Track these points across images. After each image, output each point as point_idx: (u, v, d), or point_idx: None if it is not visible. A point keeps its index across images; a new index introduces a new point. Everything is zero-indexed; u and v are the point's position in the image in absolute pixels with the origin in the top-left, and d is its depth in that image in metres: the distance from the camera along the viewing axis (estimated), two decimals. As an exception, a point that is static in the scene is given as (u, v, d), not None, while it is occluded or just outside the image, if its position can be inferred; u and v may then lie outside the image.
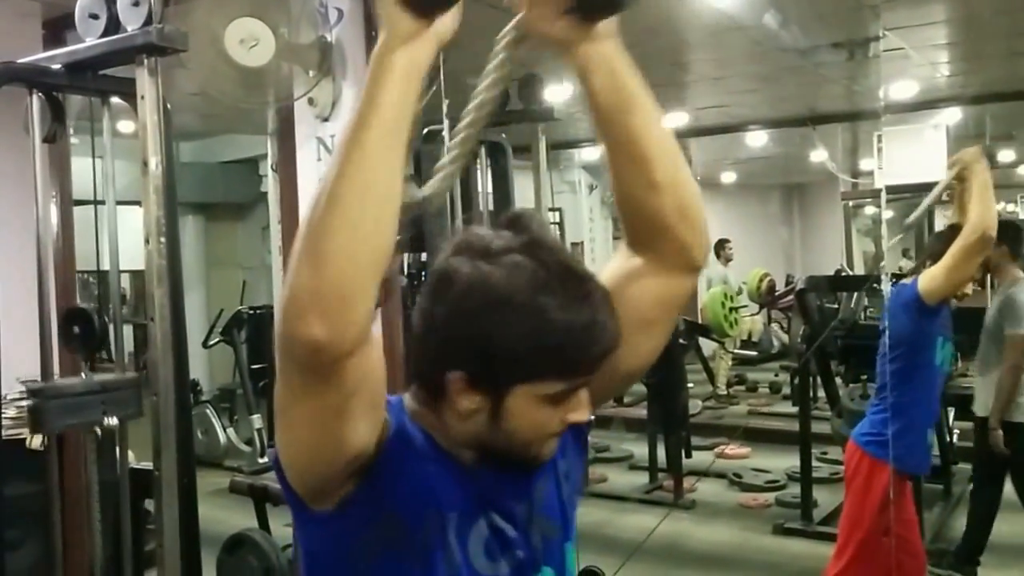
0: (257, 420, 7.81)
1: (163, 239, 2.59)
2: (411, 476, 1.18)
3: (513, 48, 1.21)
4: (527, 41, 1.20)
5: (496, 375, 1.13)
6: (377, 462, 1.15)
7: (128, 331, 3.67)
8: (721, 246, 10.37)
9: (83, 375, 3.00)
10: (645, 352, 1.32)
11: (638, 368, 1.34)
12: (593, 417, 1.36)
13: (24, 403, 4.15)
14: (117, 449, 3.12)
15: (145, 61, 2.55)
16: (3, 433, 3.35)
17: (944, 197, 3.87)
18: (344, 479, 1.15)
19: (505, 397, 1.14)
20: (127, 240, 3.20)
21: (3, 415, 3.38)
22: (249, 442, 7.84)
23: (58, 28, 3.93)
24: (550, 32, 1.17)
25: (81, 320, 2.95)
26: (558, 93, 6.02)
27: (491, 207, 4.59)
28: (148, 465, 3.44)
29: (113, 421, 2.93)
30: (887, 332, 3.66)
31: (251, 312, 8.59)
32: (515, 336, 1.10)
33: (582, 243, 10.50)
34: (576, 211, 10.48)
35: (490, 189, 4.63)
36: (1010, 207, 11.89)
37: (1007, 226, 4.86)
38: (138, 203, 2.70)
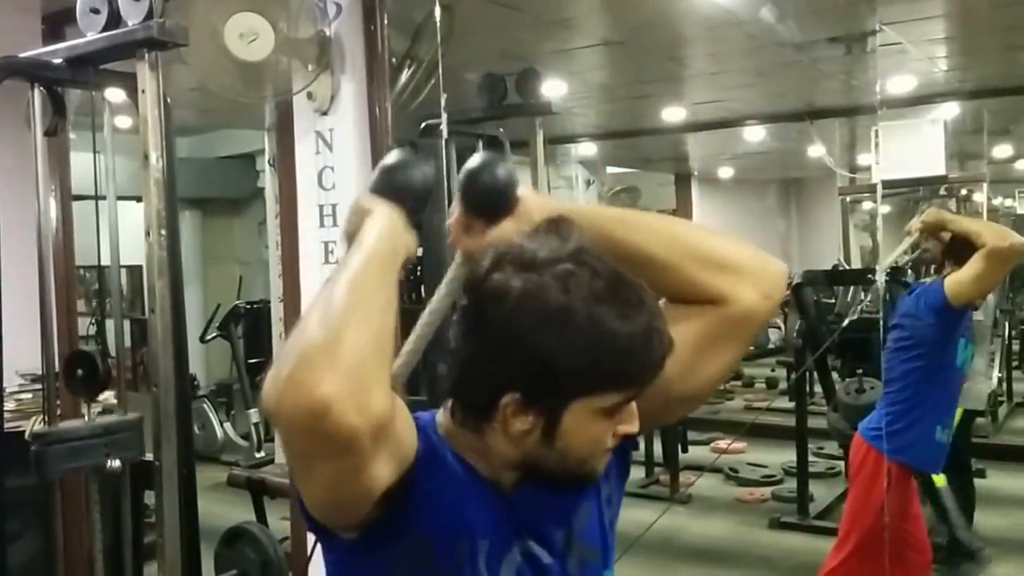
0: (254, 415, 7.81)
1: (164, 231, 2.60)
2: (440, 501, 1.14)
3: (464, 270, 1.26)
4: (473, 266, 1.20)
5: (554, 392, 1.09)
6: (404, 485, 1.11)
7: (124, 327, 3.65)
8: None
9: (86, 417, 3.00)
10: (703, 374, 1.27)
11: (696, 391, 1.30)
12: (639, 446, 1.36)
13: (23, 395, 4.18)
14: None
15: (146, 55, 2.56)
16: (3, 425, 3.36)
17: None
18: (367, 510, 1.11)
19: (562, 414, 1.10)
20: (124, 236, 3.21)
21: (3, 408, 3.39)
22: (246, 436, 7.86)
23: (57, 23, 3.93)
24: (487, 247, 1.18)
25: (84, 363, 2.96)
26: (555, 88, 6.03)
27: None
28: (147, 456, 3.47)
29: (115, 464, 2.94)
30: (908, 332, 3.67)
31: (248, 307, 8.61)
32: (575, 350, 1.06)
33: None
34: (573, 206, 10.49)
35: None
36: (1008, 202, 11.90)
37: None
38: (136, 198, 2.71)
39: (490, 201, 1.23)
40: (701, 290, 1.24)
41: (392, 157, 1.26)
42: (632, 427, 1.14)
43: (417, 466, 1.12)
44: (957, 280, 3.49)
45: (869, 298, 8.06)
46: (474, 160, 1.24)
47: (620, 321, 1.07)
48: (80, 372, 2.97)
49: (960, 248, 3.54)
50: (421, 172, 1.24)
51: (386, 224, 1.15)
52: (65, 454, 2.84)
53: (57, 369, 3.11)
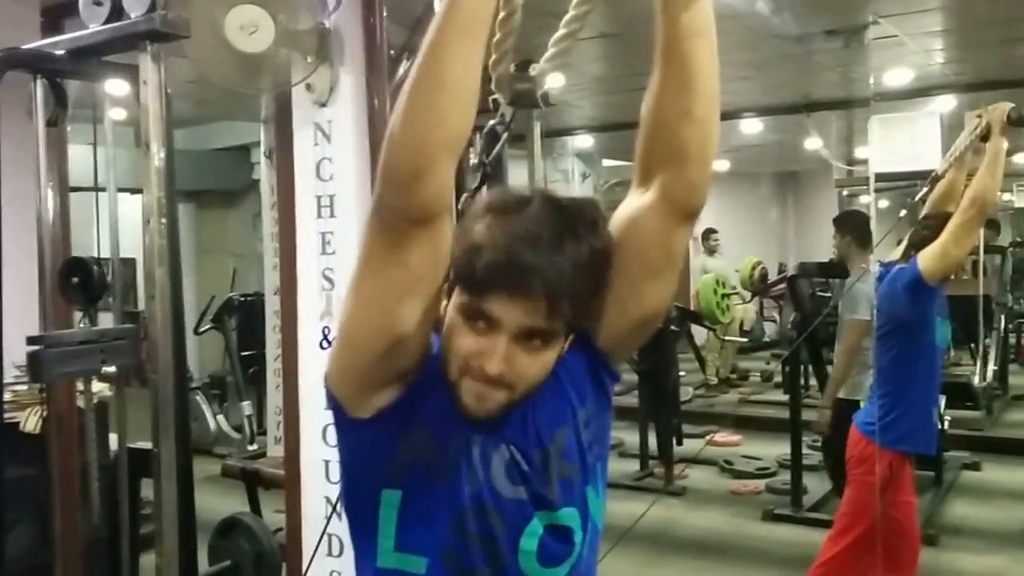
0: (247, 407, 7.82)
1: (164, 220, 2.60)
2: (442, 395, 1.29)
3: None
4: None
5: (451, 270, 1.26)
6: (415, 379, 1.30)
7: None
8: (706, 236, 10.37)
9: (82, 325, 2.99)
10: (653, 300, 1.37)
11: (647, 315, 1.39)
12: (619, 374, 1.46)
13: (18, 387, 4.17)
14: (112, 424, 3.11)
15: (149, 47, 2.56)
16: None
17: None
18: (385, 378, 1.29)
19: (449, 300, 1.27)
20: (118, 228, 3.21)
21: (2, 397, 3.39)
22: (239, 429, 7.85)
23: (56, 15, 3.91)
24: None
25: (80, 271, 2.94)
26: (552, 80, 6.02)
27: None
28: (143, 444, 3.47)
29: (111, 369, 2.94)
30: (885, 318, 3.68)
31: (242, 299, 8.60)
32: (456, 239, 1.25)
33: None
34: (569, 199, 10.48)
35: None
36: (1006, 196, 11.91)
37: (853, 216, 5.13)
38: (131, 191, 2.71)
39: None
40: (680, 156, 1.29)
41: None
42: (487, 364, 1.23)
43: (429, 361, 1.30)
44: (929, 254, 3.52)
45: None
46: None
47: (483, 225, 1.23)
48: (76, 280, 2.96)
49: (929, 231, 3.57)
50: None
51: None
52: (61, 357, 2.83)
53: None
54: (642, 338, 1.45)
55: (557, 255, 1.20)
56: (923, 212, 3.84)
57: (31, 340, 2.81)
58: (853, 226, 4.93)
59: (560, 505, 1.32)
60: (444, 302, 1.29)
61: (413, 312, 1.23)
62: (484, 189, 1.38)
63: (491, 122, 1.48)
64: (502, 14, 1.30)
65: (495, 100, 1.45)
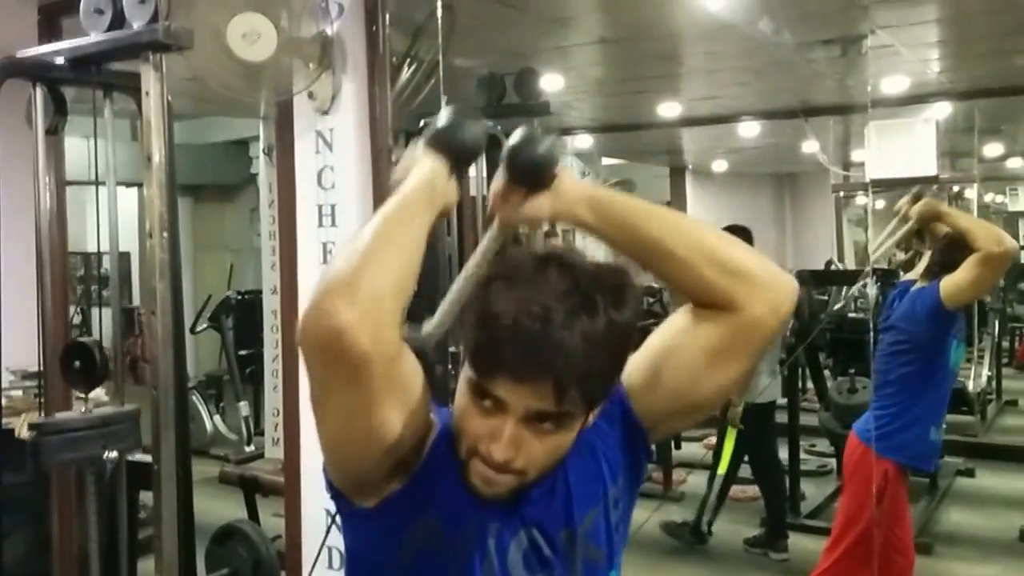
0: (244, 407, 7.79)
1: (166, 233, 2.58)
2: (453, 477, 1.20)
3: (500, 237, 1.34)
4: (510, 235, 1.33)
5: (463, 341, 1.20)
6: (423, 463, 1.22)
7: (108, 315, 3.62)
8: None
9: (83, 409, 2.98)
10: (713, 383, 1.29)
11: (707, 400, 1.32)
12: (654, 455, 1.39)
13: (13, 392, 4.15)
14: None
15: (151, 57, 2.54)
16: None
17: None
18: (386, 473, 1.20)
19: (460, 374, 1.20)
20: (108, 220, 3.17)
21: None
22: (236, 430, 7.82)
23: (53, 14, 3.90)
24: (522, 218, 1.29)
25: (82, 355, 2.93)
26: (553, 82, 6.01)
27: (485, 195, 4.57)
28: (141, 456, 3.45)
29: (112, 455, 2.93)
30: (904, 336, 3.69)
31: (239, 297, 8.56)
32: (465, 313, 1.20)
33: (573, 230, 10.47)
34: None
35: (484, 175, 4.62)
36: (999, 199, 11.95)
37: (736, 230, 5.27)
38: (127, 184, 2.69)
39: (531, 173, 1.29)
40: (714, 293, 1.26)
41: (446, 115, 1.30)
42: (494, 448, 1.15)
43: (435, 444, 1.23)
44: (954, 283, 3.53)
45: (856, 290, 8.09)
46: (520, 133, 1.30)
47: (492, 298, 1.14)
48: (77, 364, 2.93)
49: (953, 251, 3.58)
50: (473, 132, 1.30)
51: (427, 174, 1.23)
52: (62, 445, 2.83)
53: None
54: (693, 421, 1.39)
55: (567, 335, 1.10)
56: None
57: (32, 427, 2.83)
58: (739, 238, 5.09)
59: None
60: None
61: (396, 417, 1.15)
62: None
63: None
64: None
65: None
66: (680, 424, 1.40)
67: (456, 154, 1.27)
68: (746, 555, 5.43)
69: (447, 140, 1.28)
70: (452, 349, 3.11)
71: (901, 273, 5.48)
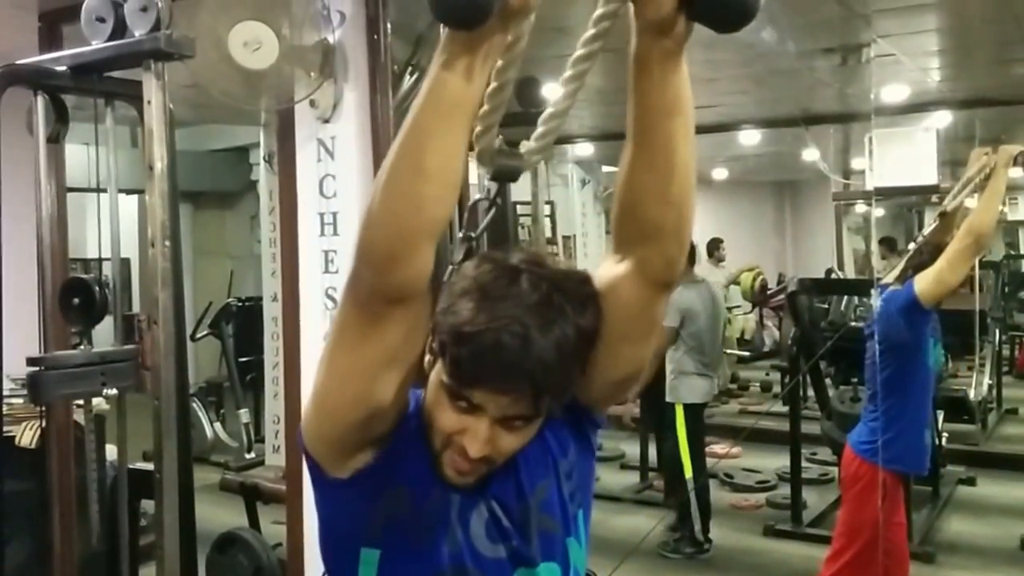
0: (244, 415, 7.76)
1: (168, 243, 2.58)
2: (421, 454, 1.27)
3: (613, 17, 1.19)
4: (623, 11, 1.16)
5: (435, 341, 1.22)
6: (393, 439, 1.28)
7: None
8: (715, 246, 10.29)
9: (82, 347, 2.95)
10: (632, 362, 1.33)
11: (627, 376, 1.35)
12: (604, 419, 1.44)
13: (14, 400, 4.14)
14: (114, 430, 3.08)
15: (152, 66, 2.54)
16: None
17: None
18: (360, 443, 1.26)
19: (434, 367, 1.24)
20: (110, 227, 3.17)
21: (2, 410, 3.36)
22: (236, 437, 7.80)
23: (54, 21, 3.90)
24: (652, 14, 1.10)
25: (80, 292, 2.91)
26: (554, 91, 6.01)
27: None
28: (143, 464, 3.44)
29: (112, 392, 2.91)
30: (880, 338, 3.70)
31: (240, 304, 8.56)
32: (439, 312, 1.22)
33: (574, 236, 10.49)
34: (568, 205, 10.48)
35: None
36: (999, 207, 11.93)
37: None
38: (127, 191, 2.69)
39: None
40: (656, 236, 1.22)
41: None
42: (469, 447, 1.21)
43: (406, 420, 1.29)
44: (925, 278, 3.57)
45: (856, 304, 8.10)
46: None
47: (470, 309, 1.17)
48: (76, 300, 2.92)
49: (925, 255, 3.62)
50: None
51: (441, 64, 1.08)
52: (62, 379, 2.81)
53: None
54: (624, 393, 1.42)
55: (545, 347, 1.16)
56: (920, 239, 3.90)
57: (31, 361, 2.79)
58: None
59: (540, 561, 1.31)
60: (428, 357, 1.26)
61: (389, 386, 1.21)
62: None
63: (476, 197, 1.43)
64: (493, 85, 1.20)
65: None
66: (616, 398, 1.43)
67: (464, 17, 1.04)
68: (747, 564, 5.42)
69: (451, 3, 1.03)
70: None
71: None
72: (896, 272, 3.84)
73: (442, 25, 1.08)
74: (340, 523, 1.32)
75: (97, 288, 2.86)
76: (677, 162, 1.18)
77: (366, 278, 1.14)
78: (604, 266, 1.30)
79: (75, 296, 2.89)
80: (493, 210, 1.41)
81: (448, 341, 1.18)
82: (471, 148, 1.23)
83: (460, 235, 1.42)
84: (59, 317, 3.08)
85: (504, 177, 1.35)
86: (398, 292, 1.13)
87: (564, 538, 1.34)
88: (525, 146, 1.32)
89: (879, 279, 4.08)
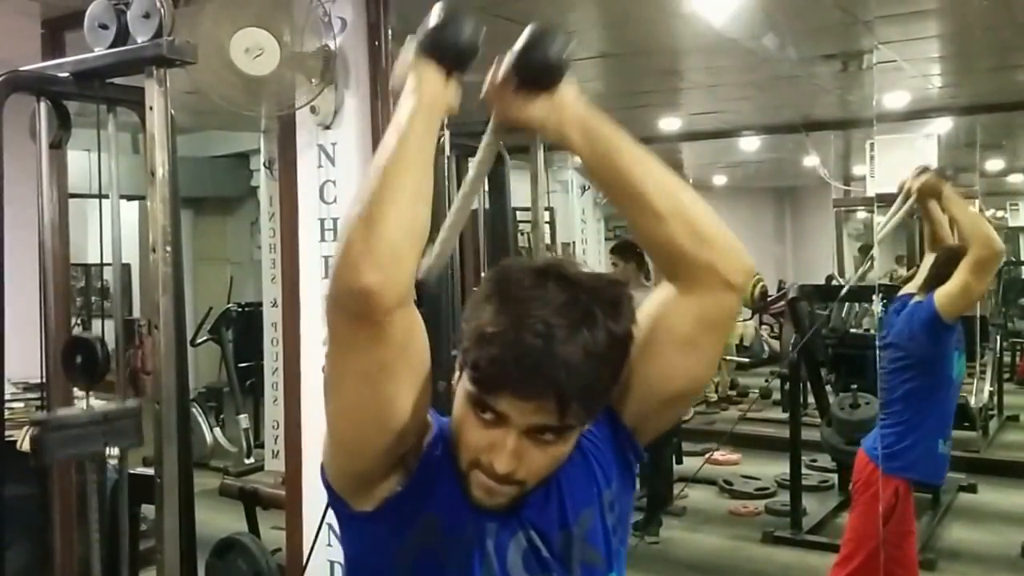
0: (244, 420, 7.75)
1: (169, 248, 2.59)
2: (451, 480, 1.21)
3: (495, 142, 1.33)
4: (504, 133, 1.32)
5: (460, 351, 1.20)
6: (420, 465, 1.22)
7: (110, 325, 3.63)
8: None
9: (85, 405, 2.97)
10: (686, 373, 1.30)
11: (682, 390, 1.32)
12: (644, 454, 1.38)
13: (15, 404, 4.15)
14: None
15: (155, 72, 2.54)
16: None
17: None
18: (386, 471, 1.21)
19: (459, 380, 1.20)
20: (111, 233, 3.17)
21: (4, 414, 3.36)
22: (236, 442, 7.80)
23: (57, 28, 3.92)
24: (519, 116, 1.27)
25: (83, 350, 2.91)
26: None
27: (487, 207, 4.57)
28: (143, 469, 3.44)
29: (114, 451, 2.92)
30: (903, 352, 3.69)
31: (239, 309, 8.56)
32: (464, 322, 1.19)
33: (573, 243, 10.49)
34: (568, 211, 10.47)
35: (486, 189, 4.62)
36: (999, 213, 11.94)
37: (632, 246, 5.55)
38: (127, 197, 2.69)
39: (539, 72, 1.25)
40: (678, 253, 1.25)
41: (437, 12, 1.23)
42: (496, 460, 1.16)
43: (432, 444, 1.23)
44: (946, 293, 3.53)
45: (857, 311, 8.09)
46: (536, 27, 1.25)
47: (494, 312, 1.14)
48: (79, 359, 2.92)
49: (949, 264, 3.58)
50: (467, 29, 1.22)
51: (423, 91, 1.21)
52: (64, 440, 2.79)
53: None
54: (675, 414, 1.39)
55: (570, 350, 1.11)
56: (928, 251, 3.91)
57: (34, 423, 2.80)
58: (633, 255, 5.76)
59: None
60: (456, 374, 1.22)
61: (402, 394, 1.17)
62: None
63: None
64: None
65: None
66: (662, 420, 1.38)
67: (451, 56, 1.21)
68: (746, 572, 5.41)
69: (440, 42, 1.21)
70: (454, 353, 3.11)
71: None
72: (917, 281, 3.81)
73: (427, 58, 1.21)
74: (369, 559, 1.25)
75: (99, 346, 2.86)
76: (641, 186, 1.25)
77: (363, 285, 1.09)
78: (661, 286, 1.32)
79: (77, 354, 2.89)
80: None
81: (470, 345, 1.15)
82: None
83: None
84: (60, 312, 3.07)
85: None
86: (399, 296, 1.11)
87: (607, 572, 1.30)
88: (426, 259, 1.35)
89: (880, 286, 4.08)
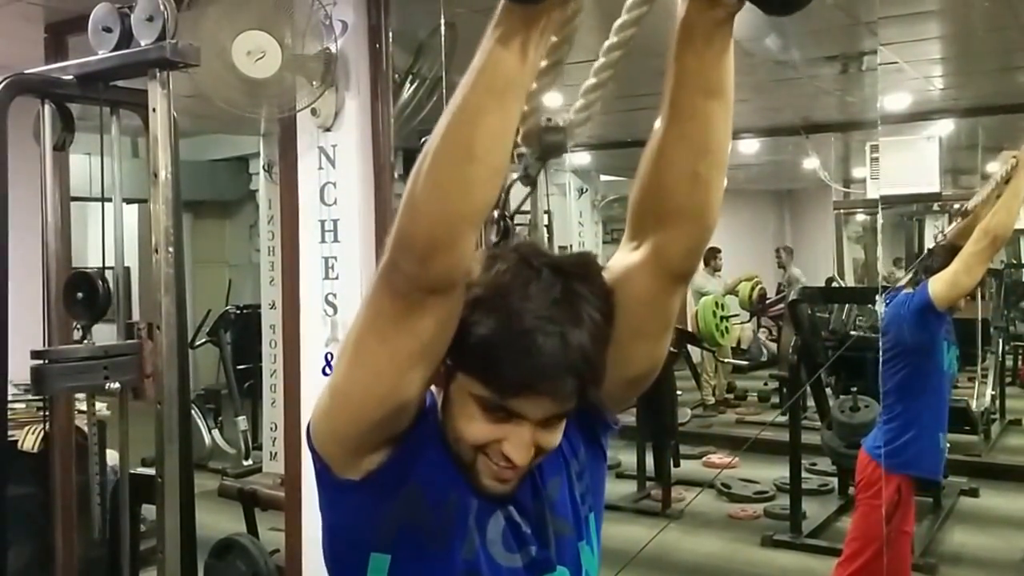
0: (242, 422, 7.76)
1: (171, 249, 2.60)
2: (437, 456, 1.22)
3: None
4: None
5: (451, 354, 1.16)
6: (408, 440, 1.21)
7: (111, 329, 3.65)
8: (712, 255, 10.30)
9: (85, 341, 2.95)
10: (645, 361, 1.30)
11: (639, 375, 1.32)
12: (616, 422, 1.38)
13: (17, 405, 4.15)
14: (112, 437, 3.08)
15: (157, 75, 2.56)
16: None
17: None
18: (377, 441, 1.20)
19: (453, 378, 1.18)
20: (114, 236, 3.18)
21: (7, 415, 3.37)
22: (234, 444, 7.81)
23: (60, 32, 3.93)
24: None
25: (84, 286, 2.90)
26: (552, 99, 6.03)
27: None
28: (143, 470, 3.45)
29: (115, 386, 2.89)
30: (892, 341, 3.69)
31: (238, 312, 8.56)
32: (462, 322, 1.14)
33: (571, 246, 10.49)
34: (565, 214, 10.49)
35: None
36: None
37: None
38: (128, 200, 2.70)
39: None
40: (680, 228, 1.19)
41: None
42: (511, 454, 1.16)
43: (423, 418, 1.22)
44: (941, 280, 3.56)
45: (857, 314, 8.09)
46: None
47: (497, 318, 1.12)
48: (80, 295, 2.92)
49: (938, 258, 3.62)
50: None
51: (496, 39, 1.01)
52: (65, 372, 2.81)
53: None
54: (635, 393, 1.37)
55: (580, 336, 1.13)
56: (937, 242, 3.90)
57: (35, 354, 2.78)
58: None
59: (555, 566, 1.27)
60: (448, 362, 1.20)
61: (419, 380, 1.16)
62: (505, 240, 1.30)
63: (514, 175, 1.41)
64: (545, 63, 1.16)
65: (519, 153, 1.35)
66: (626, 397, 1.37)
67: None
68: (749, 574, 5.41)
69: None
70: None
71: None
72: (907, 278, 3.84)
73: None
74: (349, 528, 1.25)
75: (100, 282, 2.85)
76: (712, 140, 1.16)
77: (405, 267, 1.06)
78: (618, 255, 1.26)
79: (79, 290, 2.88)
80: (530, 190, 1.40)
81: (481, 355, 1.13)
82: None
83: (495, 214, 1.36)
84: (63, 313, 3.08)
85: (551, 154, 1.34)
86: (439, 282, 1.07)
87: (576, 542, 1.30)
88: (565, 119, 1.30)
89: (885, 287, 4.08)
